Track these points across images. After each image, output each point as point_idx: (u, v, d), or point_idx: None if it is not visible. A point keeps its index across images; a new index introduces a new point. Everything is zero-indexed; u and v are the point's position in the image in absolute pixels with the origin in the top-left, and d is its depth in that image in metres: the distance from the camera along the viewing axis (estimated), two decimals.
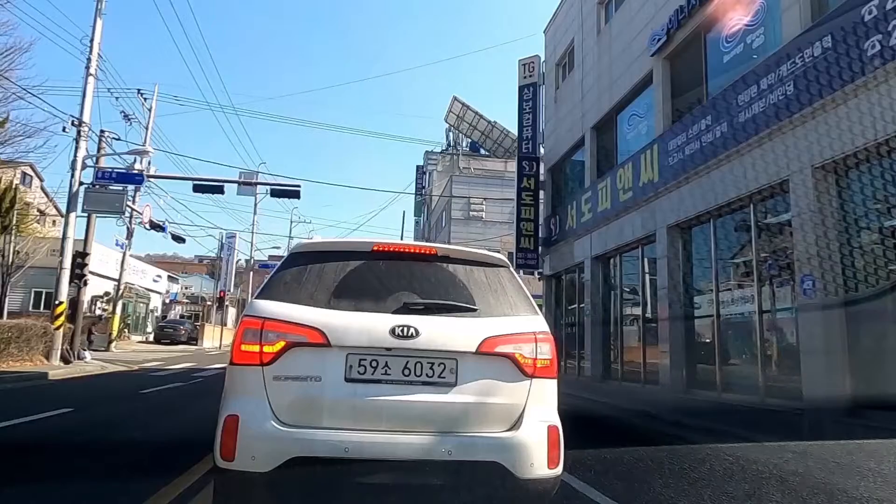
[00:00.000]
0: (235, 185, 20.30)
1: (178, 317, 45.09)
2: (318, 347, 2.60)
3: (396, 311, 2.72)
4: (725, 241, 9.95)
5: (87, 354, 16.45)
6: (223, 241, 45.40)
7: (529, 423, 2.68)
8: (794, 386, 7.59)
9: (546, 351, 2.81)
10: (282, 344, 2.59)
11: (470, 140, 42.25)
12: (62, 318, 14.61)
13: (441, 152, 44.36)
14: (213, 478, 2.98)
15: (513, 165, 21.95)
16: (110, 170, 16.86)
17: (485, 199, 33.99)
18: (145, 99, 24.26)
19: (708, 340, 10.18)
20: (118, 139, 18.67)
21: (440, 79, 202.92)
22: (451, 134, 43.82)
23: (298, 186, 19.44)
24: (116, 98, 34.29)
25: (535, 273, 18.74)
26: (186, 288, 59.95)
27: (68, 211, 15.68)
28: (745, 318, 9.33)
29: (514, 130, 22.64)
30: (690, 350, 10.52)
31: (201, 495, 3.56)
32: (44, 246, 24.02)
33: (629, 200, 12.60)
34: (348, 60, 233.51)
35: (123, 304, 29.62)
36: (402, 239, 32.73)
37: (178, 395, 10.05)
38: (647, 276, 12.49)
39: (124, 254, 25.88)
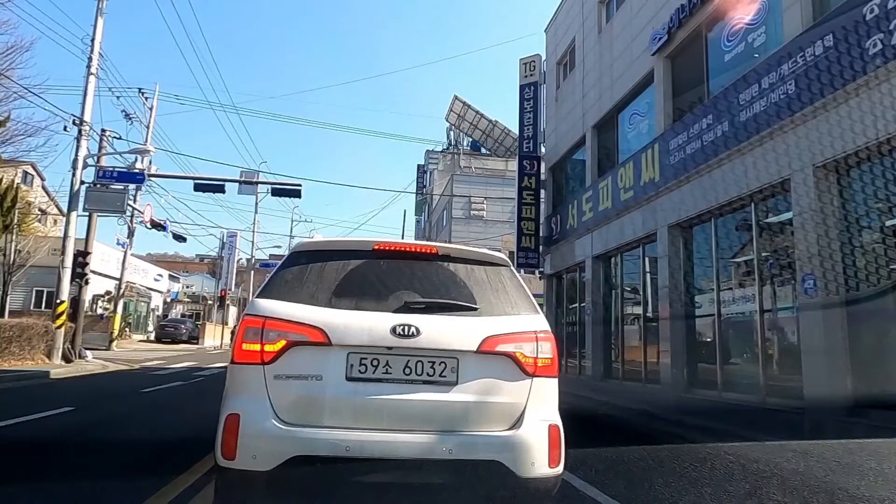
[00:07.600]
0: (236, 184, 20.28)
1: (179, 315, 45.13)
2: (319, 346, 2.60)
3: (397, 311, 2.72)
4: (726, 240, 9.94)
5: (89, 353, 16.46)
6: (224, 240, 45.51)
7: (530, 422, 2.68)
8: (795, 385, 7.58)
9: (547, 350, 2.81)
10: (283, 343, 2.59)
11: (471, 139, 42.20)
12: (63, 317, 14.64)
13: (442, 151, 44.29)
14: (214, 476, 2.98)
15: (514, 164, 21.95)
16: (111, 169, 16.87)
17: (486, 198, 33.98)
18: (146, 98, 24.27)
19: (709, 339, 10.17)
20: (119, 138, 18.67)
21: (441, 78, 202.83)
22: (452, 133, 43.79)
23: (299, 185, 19.72)
24: (118, 97, 34.51)
25: (536, 272, 18.73)
26: (188, 287, 59.94)
27: (69, 210, 15.68)
28: (746, 318, 9.32)
29: (515, 129, 22.65)
30: (691, 349, 10.51)
31: (202, 494, 3.57)
32: (45, 245, 24.09)
33: (630, 199, 12.59)
34: (348, 59, 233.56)
35: (125, 303, 29.64)
36: (403, 238, 32.73)
37: (178, 394, 10.06)
38: (648, 276, 12.48)
39: (125, 253, 25.89)
